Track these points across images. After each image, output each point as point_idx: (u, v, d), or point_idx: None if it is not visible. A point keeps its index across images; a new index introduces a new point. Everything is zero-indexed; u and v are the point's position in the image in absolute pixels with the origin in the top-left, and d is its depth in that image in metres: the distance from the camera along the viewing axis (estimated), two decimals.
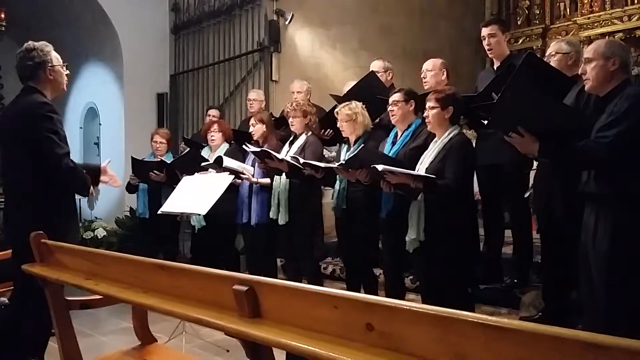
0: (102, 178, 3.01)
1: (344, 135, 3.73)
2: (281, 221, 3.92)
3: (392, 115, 3.41)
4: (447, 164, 2.98)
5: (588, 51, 2.63)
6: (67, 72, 2.99)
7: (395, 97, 3.40)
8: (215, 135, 4.63)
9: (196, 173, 4.14)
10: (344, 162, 3.35)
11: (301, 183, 3.81)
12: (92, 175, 2.94)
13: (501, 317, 3.08)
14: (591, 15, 7.07)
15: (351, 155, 3.32)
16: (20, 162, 2.78)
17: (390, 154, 3.35)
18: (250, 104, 5.26)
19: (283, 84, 5.98)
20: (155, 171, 4.64)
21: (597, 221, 2.49)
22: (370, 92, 3.83)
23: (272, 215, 4.01)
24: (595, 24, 7.01)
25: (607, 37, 6.69)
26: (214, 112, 5.52)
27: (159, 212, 3.92)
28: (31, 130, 2.71)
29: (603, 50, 2.56)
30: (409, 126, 3.40)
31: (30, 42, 2.87)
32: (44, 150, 2.72)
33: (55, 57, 2.89)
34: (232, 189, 4.26)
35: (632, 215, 2.45)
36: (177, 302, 1.54)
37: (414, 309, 1.02)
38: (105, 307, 2.43)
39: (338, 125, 3.70)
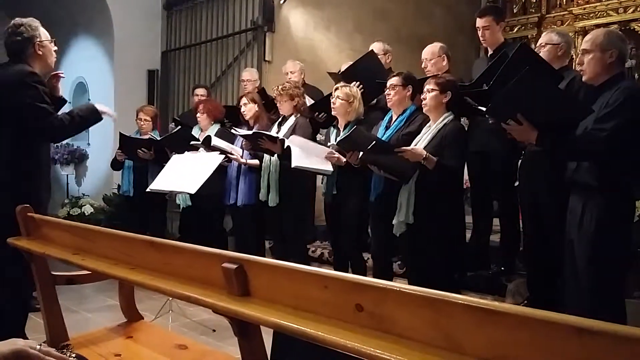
0: (101, 108, 3.10)
1: (334, 114, 3.69)
2: (271, 203, 3.90)
3: (389, 99, 3.40)
4: (447, 150, 2.99)
5: (586, 41, 2.57)
6: (55, 47, 2.95)
7: (393, 81, 3.38)
8: (200, 117, 4.57)
9: (186, 152, 4.10)
10: (335, 143, 3.33)
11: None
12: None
13: None
14: (587, 5, 7.06)
15: (343, 136, 3.29)
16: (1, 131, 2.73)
17: (383, 138, 3.33)
18: (245, 85, 5.18)
19: (276, 65, 5.90)
20: (143, 149, 4.57)
21: (584, 209, 2.51)
22: (368, 71, 3.80)
23: (261, 197, 3.98)
24: (591, 15, 7.01)
25: (602, 28, 6.69)
26: (200, 92, 5.33)
27: (147, 189, 3.88)
28: (14, 98, 2.67)
29: (601, 41, 2.52)
30: (404, 111, 3.39)
31: (17, 18, 2.82)
32: (28, 117, 2.68)
33: (44, 33, 2.85)
34: (221, 170, 4.23)
35: (620, 205, 2.48)
36: (166, 279, 1.53)
37: (404, 290, 1.01)
38: (91, 283, 2.42)
39: (332, 101, 3.64)
